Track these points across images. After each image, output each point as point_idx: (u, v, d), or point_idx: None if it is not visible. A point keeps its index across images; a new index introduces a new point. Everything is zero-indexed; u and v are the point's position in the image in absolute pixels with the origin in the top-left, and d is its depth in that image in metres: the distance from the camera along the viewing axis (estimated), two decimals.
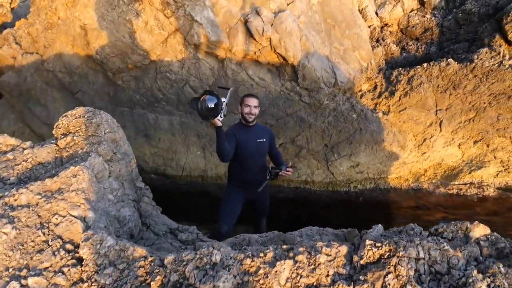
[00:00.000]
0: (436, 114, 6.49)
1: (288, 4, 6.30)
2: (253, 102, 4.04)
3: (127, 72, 6.46)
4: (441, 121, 6.48)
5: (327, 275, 1.76)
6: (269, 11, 6.09)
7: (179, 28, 6.01)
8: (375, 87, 6.73)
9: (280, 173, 3.95)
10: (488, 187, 6.35)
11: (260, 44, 5.98)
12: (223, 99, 3.49)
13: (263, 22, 5.93)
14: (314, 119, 6.36)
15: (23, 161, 2.69)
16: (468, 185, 6.40)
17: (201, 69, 6.25)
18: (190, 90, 6.39)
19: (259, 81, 6.24)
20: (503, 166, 6.36)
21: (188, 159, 6.77)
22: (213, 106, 3.35)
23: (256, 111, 4.07)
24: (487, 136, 6.40)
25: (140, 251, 2.04)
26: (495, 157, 6.42)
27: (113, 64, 6.37)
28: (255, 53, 6.05)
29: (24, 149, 2.81)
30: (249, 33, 6.00)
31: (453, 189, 6.43)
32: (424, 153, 6.54)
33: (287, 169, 4.00)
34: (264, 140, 4.16)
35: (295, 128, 6.41)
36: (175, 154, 6.79)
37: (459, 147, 6.52)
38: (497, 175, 6.36)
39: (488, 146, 6.42)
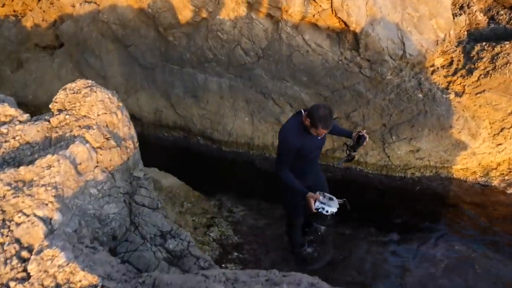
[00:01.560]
0: None
1: None
2: (326, 132, 3.51)
3: (179, 28, 6.14)
4: None
5: None
6: None
7: None
8: (451, 63, 5.85)
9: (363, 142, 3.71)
10: None
11: (320, 6, 5.34)
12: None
13: None
14: (373, 95, 5.69)
15: (12, 138, 2.46)
16: None
17: (253, 30, 5.76)
18: (241, 52, 5.95)
19: (315, 48, 5.64)
20: None
21: (235, 124, 6.44)
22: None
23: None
24: None
25: (91, 278, 1.73)
26: None
27: (164, 19, 6.07)
28: (313, 16, 5.43)
29: (20, 122, 2.58)
30: None
31: None
32: (500, 144, 5.67)
33: (363, 134, 3.70)
34: (321, 139, 3.70)
35: (351, 102, 5.79)
36: (223, 118, 6.49)
37: None
38: None
39: None
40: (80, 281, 1.72)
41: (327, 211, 3.45)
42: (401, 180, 5.87)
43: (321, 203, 3.50)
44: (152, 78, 6.73)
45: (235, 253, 4.68)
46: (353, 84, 5.70)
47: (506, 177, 5.71)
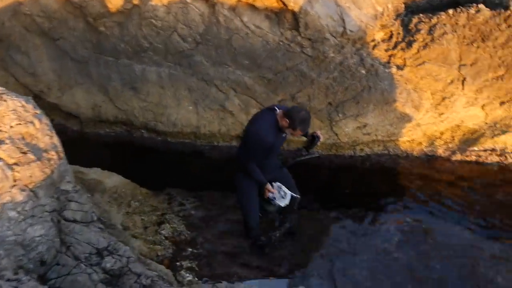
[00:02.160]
0: (459, 70, 5.64)
1: None
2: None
3: (109, 18, 5.76)
4: (464, 78, 5.65)
5: None
6: None
7: None
8: (391, 37, 5.84)
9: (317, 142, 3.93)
10: None
11: None
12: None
13: None
14: (317, 74, 5.61)
15: None
16: (489, 151, 5.70)
17: (189, 15, 5.50)
18: (179, 39, 5.68)
19: (255, 30, 5.47)
20: None
21: (179, 114, 6.21)
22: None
23: None
24: None
25: None
26: None
27: (92, 8, 5.68)
28: None
29: None
30: None
31: (471, 155, 5.74)
32: (442, 113, 5.79)
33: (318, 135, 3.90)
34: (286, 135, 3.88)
35: (296, 83, 5.69)
36: (166, 108, 6.23)
37: (482, 108, 5.74)
38: None
39: None
40: None
41: (274, 204, 3.97)
42: (351, 158, 5.88)
43: (274, 196, 3.95)
44: (87, 72, 6.33)
45: (189, 249, 4.52)
46: (296, 64, 5.59)
47: (450, 145, 5.86)
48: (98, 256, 2.37)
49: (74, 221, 2.48)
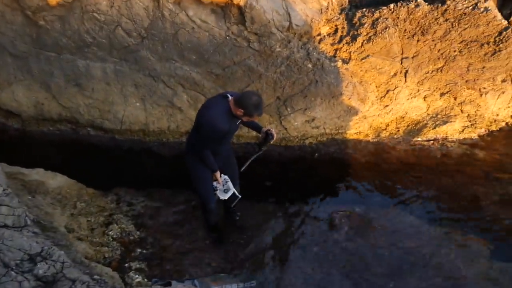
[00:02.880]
0: (402, 62, 5.83)
1: None
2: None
3: (49, 11, 5.52)
4: (406, 71, 5.84)
5: None
6: None
7: None
8: (336, 31, 5.95)
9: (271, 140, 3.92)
10: (453, 143, 5.88)
11: None
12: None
13: None
14: (264, 68, 5.63)
15: None
16: (432, 141, 5.92)
17: (133, 9, 5.37)
18: (123, 34, 5.54)
19: (201, 24, 5.41)
20: (470, 121, 5.86)
21: (127, 111, 6.06)
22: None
23: None
24: (455, 88, 5.83)
25: None
26: (462, 111, 5.90)
27: (31, 1, 5.42)
28: None
29: None
30: None
31: (415, 145, 5.95)
32: (387, 105, 5.96)
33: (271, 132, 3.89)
34: (239, 123, 3.87)
35: (244, 78, 5.69)
36: (112, 105, 6.06)
37: (424, 100, 5.96)
38: (463, 130, 5.88)
39: (455, 99, 5.87)
40: None
41: (215, 195, 4.09)
42: (300, 149, 5.94)
43: (217, 187, 4.04)
44: (27, 68, 6.05)
45: (139, 250, 4.44)
46: (243, 59, 5.58)
47: (395, 136, 6.04)
48: (31, 263, 2.26)
49: (5, 226, 2.36)
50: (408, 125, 6.05)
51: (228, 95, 3.66)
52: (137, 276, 4.05)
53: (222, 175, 4.08)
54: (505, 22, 5.57)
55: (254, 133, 5.82)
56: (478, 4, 5.56)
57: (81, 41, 5.67)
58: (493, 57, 5.61)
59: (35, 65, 5.98)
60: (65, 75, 5.96)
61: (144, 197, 5.20)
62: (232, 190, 4.06)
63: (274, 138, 3.92)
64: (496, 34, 5.56)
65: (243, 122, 3.78)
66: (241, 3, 5.21)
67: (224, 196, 4.09)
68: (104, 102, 6.06)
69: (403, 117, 6.04)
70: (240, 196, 4.27)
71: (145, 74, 5.79)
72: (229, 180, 4.10)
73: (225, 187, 4.03)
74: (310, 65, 5.62)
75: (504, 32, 5.53)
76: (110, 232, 4.48)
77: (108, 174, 5.58)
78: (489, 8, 5.53)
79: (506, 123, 5.98)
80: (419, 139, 5.93)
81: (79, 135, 6.29)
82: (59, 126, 6.36)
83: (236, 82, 5.70)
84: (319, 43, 5.83)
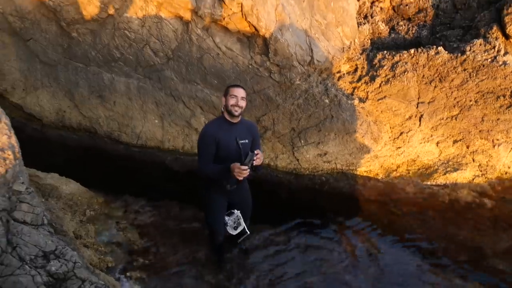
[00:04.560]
0: (417, 107, 5.93)
1: None
2: (240, 93, 3.58)
3: (83, 24, 5.78)
4: (421, 115, 5.94)
5: None
6: None
7: None
8: (356, 70, 6.11)
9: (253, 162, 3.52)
10: (462, 190, 5.89)
11: (230, 9, 5.30)
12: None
13: None
14: (283, 99, 5.77)
15: None
16: (442, 186, 5.94)
17: (163, 30, 5.59)
18: (150, 53, 5.75)
19: (226, 51, 5.60)
20: (481, 171, 5.89)
21: (145, 127, 6.22)
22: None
23: (243, 103, 3.62)
24: (468, 136, 5.88)
25: None
26: (473, 160, 5.94)
27: (67, 13, 5.68)
28: (224, 18, 5.38)
29: None
30: None
31: (425, 189, 5.97)
32: (399, 147, 6.03)
33: (255, 155, 3.47)
34: (247, 141, 3.74)
35: (262, 107, 5.83)
36: (131, 120, 6.23)
37: (437, 145, 6.02)
38: (473, 179, 5.90)
39: (468, 147, 5.92)
40: None
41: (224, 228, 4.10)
42: (310, 180, 6.00)
43: (228, 222, 4.10)
44: (54, 76, 6.29)
45: (141, 259, 4.50)
46: (263, 88, 5.73)
47: (405, 178, 6.07)
48: (44, 259, 2.36)
49: (24, 222, 2.46)
50: (419, 169, 6.09)
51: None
52: (137, 286, 4.10)
53: (236, 210, 4.12)
54: None
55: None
56: (497, 58, 5.68)
57: (109, 56, 5.89)
58: (508, 110, 5.68)
59: (63, 74, 6.21)
60: (90, 86, 6.17)
61: (151, 207, 5.29)
62: (243, 226, 4.12)
63: (258, 157, 3.49)
64: None
65: (252, 146, 3.76)
66: (267, 35, 5.40)
67: (234, 232, 4.14)
68: (124, 116, 6.24)
69: (415, 160, 6.09)
70: (248, 233, 4.27)
71: (167, 93, 5.97)
72: (241, 217, 4.15)
73: (235, 223, 4.09)
74: (327, 101, 5.75)
75: None
76: (115, 241, 4.56)
77: (119, 182, 5.67)
78: (508, 62, 5.64)
79: None
80: (429, 183, 5.96)
81: (96, 142, 6.44)
82: (78, 134, 6.53)
83: (253, 109, 5.84)
84: (338, 80, 5.98)
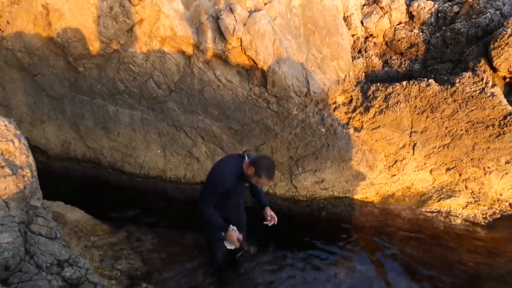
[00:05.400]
0: (411, 136, 6.16)
1: (265, 4, 5.92)
2: (268, 183, 3.83)
3: (89, 59, 6.06)
4: (414, 144, 6.15)
5: None
6: (244, 9, 5.71)
7: (145, 18, 5.61)
8: (351, 101, 6.38)
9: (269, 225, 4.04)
10: (456, 217, 6.04)
11: (230, 43, 5.60)
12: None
13: (236, 21, 5.55)
14: (281, 128, 6.01)
15: None
16: (436, 213, 6.09)
17: (166, 64, 5.88)
18: (154, 85, 6.01)
19: (226, 83, 5.87)
20: (474, 198, 6.05)
21: (147, 157, 6.41)
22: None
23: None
24: (460, 164, 6.08)
25: None
26: (466, 187, 6.11)
27: (74, 49, 5.97)
28: (224, 52, 5.67)
29: None
30: (219, 31, 5.62)
31: (419, 215, 6.11)
32: (394, 175, 6.21)
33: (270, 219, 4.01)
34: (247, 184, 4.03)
35: (260, 136, 6.06)
36: (134, 150, 6.43)
37: (430, 173, 6.21)
38: (466, 206, 6.06)
39: (460, 175, 6.11)
40: None
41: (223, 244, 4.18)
42: (308, 206, 6.15)
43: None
44: (61, 109, 6.52)
45: (144, 284, 4.60)
46: (261, 118, 5.97)
47: (400, 204, 6.23)
48: (59, 267, 2.51)
49: (39, 234, 2.63)
50: (414, 196, 6.25)
51: (246, 156, 3.84)
52: None
53: (232, 226, 4.15)
54: (510, 108, 5.93)
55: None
56: (485, 89, 5.96)
57: (114, 89, 6.15)
58: (498, 139, 5.91)
59: (69, 107, 6.45)
60: (95, 118, 6.39)
61: (153, 234, 5.43)
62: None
63: (274, 222, 4.05)
64: (501, 118, 5.91)
65: (252, 188, 4.03)
66: (265, 68, 5.68)
67: (231, 246, 4.21)
68: (127, 147, 6.44)
69: (409, 188, 6.26)
70: (246, 248, 4.42)
71: (169, 123, 6.20)
72: (236, 231, 4.26)
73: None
74: (323, 130, 5.98)
75: (509, 117, 5.87)
76: (118, 266, 4.67)
77: (122, 211, 5.82)
78: (495, 94, 5.92)
79: (510, 204, 6.14)
80: (424, 210, 6.11)
81: (99, 173, 6.62)
82: (82, 164, 6.72)
83: (252, 138, 6.06)
84: (333, 110, 6.23)
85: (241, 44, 5.59)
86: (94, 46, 5.88)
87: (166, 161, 6.40)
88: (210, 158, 6.25)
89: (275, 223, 4.02)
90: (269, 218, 4.03)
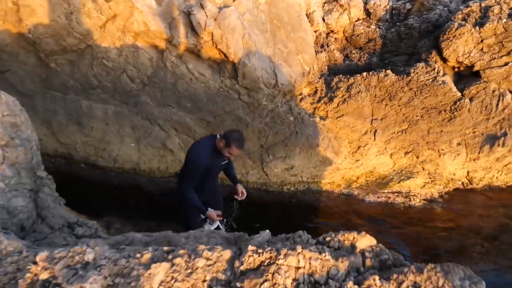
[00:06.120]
0: (372, 123, 6.62)
1: (234, 1, 6.22)
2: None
3: (62, 55, 6.15)
4: (375, 130, 6.62)
5: (204, 280, 1.70)
6: (214, 5, 5.98)
7: (119, 13, 5.78)
8: (316, 92, 6.78)
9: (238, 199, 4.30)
10: (415, 197, 6.54)
11: (202, 38, 5.86)
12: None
13: (207, 16, 5.82)
14: (251, 118, 6.32)
15: None
16: (396, 194, 6.58)
17: (139, 59, 6.06)
18: (127, 79, 6.18)
19: (198, 76, 6.12)
20: (430, 178, 6.58)
21: (121, 150, 6.55)
22: None
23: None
24: (417, 148, 6.60)
25: (15, 244, 1.90)
26: (423, 169, 6.63)
27: (46, 45, 6.04)
28: (196, 46, 5.92)
29: None
30: (191, 26, 5.87)
31: (382, 197, 6.58)
32: (358, 160, 6.65)
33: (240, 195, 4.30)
34: (223, 164, 4.22)
35: (232, 126, 6.33)
36: (108, 144, 6.55)
37: (391, 157, 6.69)
38: (424, 186, 6.58)
39: (417, 157, 6.63)
40: (5, 248, 1.84)
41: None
42: (279, 194, 6.49)
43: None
44: (32, 106, 6.54)
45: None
46: (233, 109, 6.26)
47: (364, 188, 6.68)
48: (70, 228, 2.70)
49: (47, 201, 2.82)
50: (376, 179, 6.72)
51: (218, 135, 4.05)
52: None
53: (210, 209, 4.33)
54: (459, 94, 6.50)
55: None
56: (437, 78, 6.51)
57: (87, 84, 6.27)
58: (449, 123, 6.47)
59: (40, 103, 6.50)
60: (68, 113, 6.47)
61: (132, 225, 5.57)
62: (217, 223, 4.45)
63: (243, 197, 4.35)
64: (451, 103, 6.47)
65: (226, 169, 4.33)
66: (235, 60, 5.98)
67: (213, 226, 4.48)
68: (101, 141, 6.56)
69: (372, 172, 6.73)
70: (222, 229, 4.65)
71: (143, 117, 6.38)
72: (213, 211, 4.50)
73: (210, 222, 4.44)
74: (292, 118, 6.34)
75: (458, 102, 6.44)
76: None
77: (98, 205, 5.92)
78: (446, 82, 6.48)
79: (462, 183, 6.73)
80: (385, 191, 6.58)
81: (72, 169, 6.68)
82: (53, 161, 6.76)
83: (224, 129, 6.28)
84: (300, 101, 6.61)
85: (212, 39, 5.86)
86: (67, 41, 5.98)
87: (140, 154, 6.57)
88: (183, 149, 6.46)
89: (244, 197, 4.33)
90: (239, 193, 4.32)
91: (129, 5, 5.69)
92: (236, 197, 4.35)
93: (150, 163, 6.59)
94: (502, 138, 6.47)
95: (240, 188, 4.37)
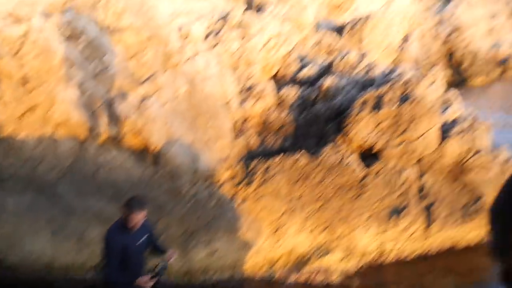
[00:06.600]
0: (289, 203, 7.00)
1: (155, 91, 6.54)
2: (143, 215, 4.06)
3: None
4: (293, 210, 6.99)
5: None
6: (135, 96, 6.24)
7: (40, 103, 5.80)
8: (235, 176, 7.08)
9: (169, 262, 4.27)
10: (334, 273, 6.85)
11: (124, 128, 6.02)
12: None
13: (128, 107, 6.03)
14: (173, 205, 6.40)
15: None
16: (316, 271, 6.84)
17: (59, 149, 6.02)
18: (45, 169, 6.05)
19: (120, 165, 6.18)
20: (346, 253, 6.98)
21: (34, 246, 6.20)
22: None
23: (143, 219, 4.08)
24: (332, 224, 7.04)
25: None
26: (339, 244, 7.04)
27: None
28: (117, 136, 6.05)
29: None
30: (113, 116, 6.03)
31: (302, 277, 6.79)
32: (278, 240, 6.90)
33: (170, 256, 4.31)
34: (143, 239, 4.20)
35: (154, 214, 6.32)
36: (20, 239, 6.18)
37: (309, 234, 7.04)
38: (341, 260, 6.94)
39: (333, 233, 7.04)
40: None
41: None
42: (202, 285, 6.44)
43: None
44: None
45: None
46: (156, 196, 6.32)
47: (286, 268, 6.88)
48: None
49: None
50: (296, 257, 6.97)
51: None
52: None
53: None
54: (363, 173, 7.18)
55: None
56: (343, 159, 7.17)
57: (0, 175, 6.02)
58: (358, 199, 7.05)
59: None
60: None
61: None
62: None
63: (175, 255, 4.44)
64: (358, 182, 7.10)
65: (149, 240, 4.30)
66: (157, 149, 6.18)
67: None
68: (11, 237, 6.17)
69: (291, 251, 6.99)
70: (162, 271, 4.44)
71: (60, 208, 6.18)
72: None
73: None
74: (213, 203, 6.53)
75: (363, 181, 7.09)
76: None
77: None
78: (351, 162, 7.15)
79: (375, 255, 7.20)
80: (306, 269, 6.83)
81: None
82: None
83: (148, 216, 6.30)
84: (221, 186, 6.85)
85: (134, 128, 6.04)
86: None
87: (54, 249, 6.24)
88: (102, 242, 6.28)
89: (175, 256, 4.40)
90: (171, 254, 4.38)
91: (51, 96, 5.76)
92: (168, 254, 4.37)
93: (66, 257, 6.27)
94: (405, 210, 7.15)
95: (170, 251, 4.43)
